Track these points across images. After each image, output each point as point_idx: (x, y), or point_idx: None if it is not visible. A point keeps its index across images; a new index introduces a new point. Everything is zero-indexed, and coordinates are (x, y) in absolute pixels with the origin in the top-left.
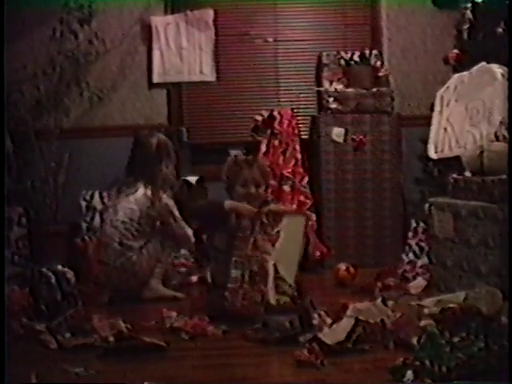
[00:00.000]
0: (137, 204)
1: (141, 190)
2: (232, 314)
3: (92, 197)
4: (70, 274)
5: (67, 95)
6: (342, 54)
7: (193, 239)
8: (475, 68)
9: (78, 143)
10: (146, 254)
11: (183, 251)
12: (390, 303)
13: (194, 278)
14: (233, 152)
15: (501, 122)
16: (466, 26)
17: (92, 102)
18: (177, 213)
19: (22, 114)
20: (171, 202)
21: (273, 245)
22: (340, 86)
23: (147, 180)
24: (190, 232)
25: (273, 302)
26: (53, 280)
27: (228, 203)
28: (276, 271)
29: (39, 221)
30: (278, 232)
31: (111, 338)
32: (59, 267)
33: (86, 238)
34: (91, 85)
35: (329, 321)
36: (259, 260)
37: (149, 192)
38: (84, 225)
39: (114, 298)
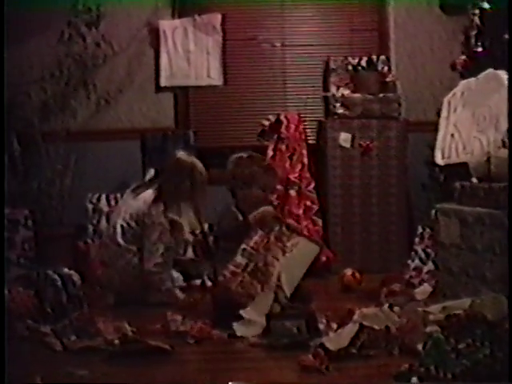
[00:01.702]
0: (138, 207)
1: (148, 193)
2: (222, 296)
3: (98, 199)
4: (76, 277)
5: (74, 98)
6: (350, 59)
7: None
8: (482, 74)
9: (84, 146)
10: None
11: (189, 254)
12: (396, 309)
13: (197, 281)
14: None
15: (508, 129)
16: (474, 32)
17: (99, 105)
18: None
19: (28, 116)
20: (178, 223)
21: (283, 254)
22: (347, 92)
23: (170, 197)
24: (150, 264)
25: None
26: (58, 282)
27: (252, 217)
28: (278, 279)
29: (45, 223)
30: (292, 246)
31: (116, 341)
32: (65, 269)
33: (89, 240)
34: (98, 88)
35: (334, 326)
36: (267, 259)
37: (152, 197)
38: (90, 227)
39: (120, 300)
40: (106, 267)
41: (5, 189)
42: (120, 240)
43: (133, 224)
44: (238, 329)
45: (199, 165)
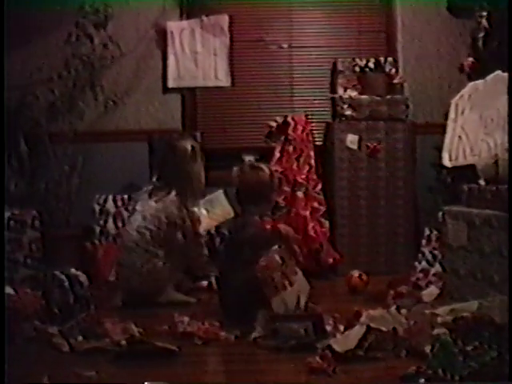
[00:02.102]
0: (164, 211)
1: (171, 197)
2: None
3: (105, 200)
4: (83, 278)
5: (82, 99)
6: (357, 60)
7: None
8: (490, 76)
9: (92, 147)
10: (170, 263)
11: None
12: (403, 311)
13: (204, 283)
14: (247, 157)
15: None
16: (481, 35)
17: (106, 106)
18: (200, 229)
19: (36, 117)
20: (197, 215)
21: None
22: (354, 93)
23: (179, 185)
24: (204, 253)
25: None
26: (65, 283)
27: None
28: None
29: (52, 224)
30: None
31: (123, 342)
32: (72, 270)
33: (96, 241)
34: (106, 89)
35: (341, 328)
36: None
37: (178, 199)
38: (97, 228)
39: (127, 301)
40: (124, 268)
41: (5, 189)
42: (149, 245)
43: (161, 231)
44: None
45: (188, 147)
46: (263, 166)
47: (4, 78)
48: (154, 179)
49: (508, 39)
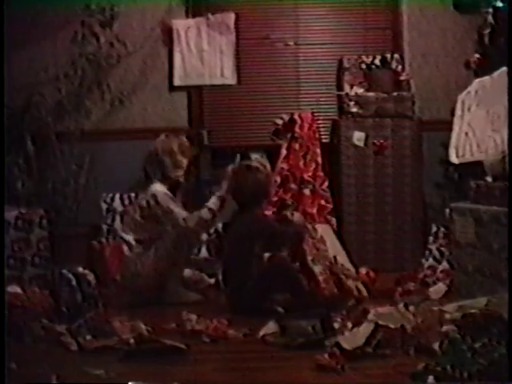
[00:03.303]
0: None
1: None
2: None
3: (112, 199)
4: (91, 276)
5: (88, 98)
6: (363, 57)
7: (184, 221)
8: (496, 73)
9: (99, 145)
10: (154, 255)
11: (203, 253)
12: (411, 308)
13: (212, 280)
14: (253, 155)
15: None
16: (488, 31)
17: (113, 105)
18: (171, 205)
19: (43, 116)
20: (161, 193)
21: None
22: (361, 90)
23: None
24: (183, 215)
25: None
26: (73, 282)
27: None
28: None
29: (60, 223)
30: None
31: (132, 341)
32: (80, 269)
33: (104, 240)
34: (112, 87)
35: (349, 325)
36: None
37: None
38: (104, 227)
39: (135, 300)
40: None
41: (4, 189)
42: (133, 239)
43: (139, 222)
44: None
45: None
46: (260, 165)
47: (4, 78)
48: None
49: (508, 39)
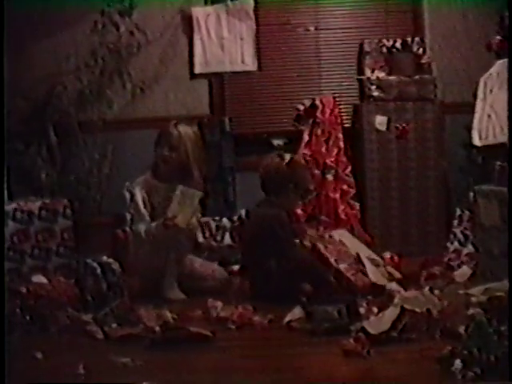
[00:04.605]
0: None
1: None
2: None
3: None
4: (116, 265)
5: (110, 87)
6: (384, 41)
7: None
8: None
9: (121, 135)
10: (148, 248)
11: (227, 240)
12: (437, 292)
13: (236, 267)
14: (275, 142)
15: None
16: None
17: (134, 94)
18: (139, 206)
19: (65, 107)
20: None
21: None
22: (382, 74)
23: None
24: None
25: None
26: (98, 271)
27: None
28: None
29: (84, 212)
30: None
31: (157, 329)
32: (104, 258)
33: (127, 228)
34: (133, 76)
35: (375, 310)
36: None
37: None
38: (128, 216)
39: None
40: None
41: (4, 183)
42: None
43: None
44: None
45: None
46: (287, 154)
47: (4, 78)
48: None
49: (508, 39)
